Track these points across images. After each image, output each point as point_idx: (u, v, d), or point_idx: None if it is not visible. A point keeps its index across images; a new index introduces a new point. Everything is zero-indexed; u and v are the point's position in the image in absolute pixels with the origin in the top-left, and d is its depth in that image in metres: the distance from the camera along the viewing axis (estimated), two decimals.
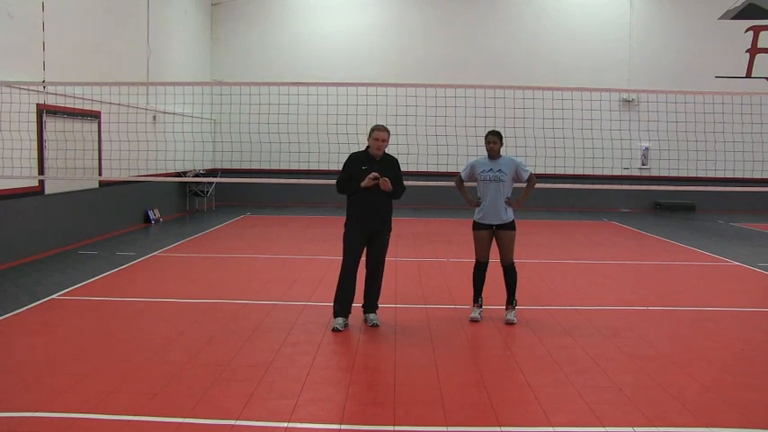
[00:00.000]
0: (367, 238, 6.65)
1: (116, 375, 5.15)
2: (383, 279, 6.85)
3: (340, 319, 6.59)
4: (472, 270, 7.12)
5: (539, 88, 12.92)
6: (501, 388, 5.12)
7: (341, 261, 6.70)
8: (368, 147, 6.63)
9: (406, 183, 6.81)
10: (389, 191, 6.50)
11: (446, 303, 7.80)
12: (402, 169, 6.77)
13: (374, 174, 6.42)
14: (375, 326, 6.64)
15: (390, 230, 6.75)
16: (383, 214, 6.64)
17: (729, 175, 14.33)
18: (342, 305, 6.64)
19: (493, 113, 11.50)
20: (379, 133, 6.55)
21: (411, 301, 7.81)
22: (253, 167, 17.32)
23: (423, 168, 11.96)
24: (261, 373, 5.27)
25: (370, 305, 6.79)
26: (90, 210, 12.28)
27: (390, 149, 6.77)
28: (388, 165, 6.63)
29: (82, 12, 12.05)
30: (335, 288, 6.70)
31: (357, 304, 6.86)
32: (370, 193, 6.50)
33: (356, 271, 6.68)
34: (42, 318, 6.97)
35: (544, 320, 7.08)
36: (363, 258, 6.74)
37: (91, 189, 12.40)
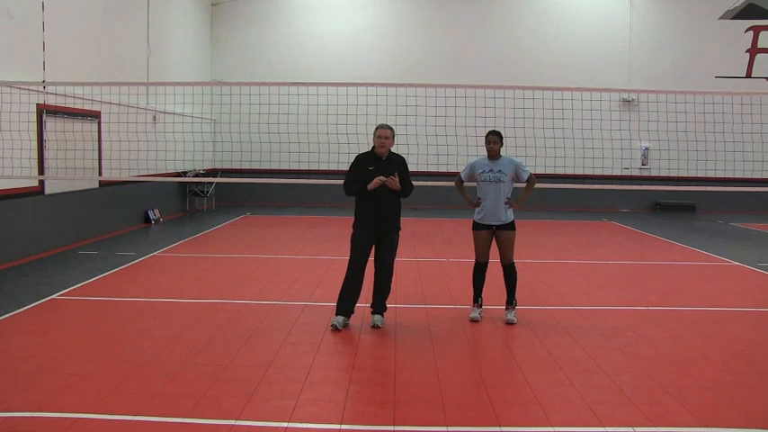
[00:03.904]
0: (375, 239, 6.65)
1: (116, 375, 5.15)
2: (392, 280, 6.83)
3: (340, 318, 6.59)
4: (472, 270, 7.12)
5: (539, 88, 12.91)
6: (501, 388, 5.12)
7: (347, 261, 6.70)
8: (374, 147, 6.64)
9: None
10: (397, 189, 6.51)
11: (446, 303, 7.80)
12: None
13: (381, 177, 6.43)
14: (376, 327, 6.63)
15: (399, 230, 6.75)
16: (391, 214, 6.64)
17: (729, 175, 14.31)
18: (344, 304, 6.64)
19: (493, 113, 11.50)
20: (381, 131, 6.58)
21: (411, 301, 7.81)
22: (253, 167, 17.33)
23: (423, 168, 11.94)
24: (261, 373, 5.27)
25: (378, 305, 6.76)
26: (90, 210, 12.27)
27: (391, 149, 6.77)
28: (395, 164, 6.62)
29: (82, 12, 12.05)
30: (341, 286, 6.70)
31: (361, 305, 6.86)
32: (378, 193, 6.51)
33: (363, 272, 6.67)
34: (42, 318, 6.97)
35: (544, 320, 7.08)
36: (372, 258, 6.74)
37: (91, 189, 12.40)
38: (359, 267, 6.64)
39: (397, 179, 6.48)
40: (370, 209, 6.59)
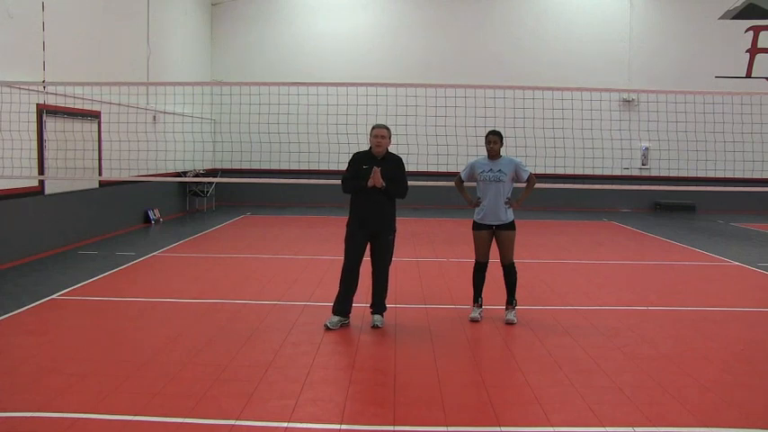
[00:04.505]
0: (369, 239, 6.65)
1: (116, 375, 5.15)
2: (389, 280, 6.83)
3: (335, 318, 6.60)
4: (472, 270, 7.12)
5: (539, 88, 12.91)
6: (501, 388, 5.12)
7: (342, 260, 6.71)
8: (371, 147, 6.64)
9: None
10: (381, 186, 6.46)
11: (446, 303, 7.79)
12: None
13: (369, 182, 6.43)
14: (376, 327, 6.63)
15: (394, 232, 6.73)
16: (384, 215, 6.62)
17: (729, 175, 14.31)
18: (340, 305, 6.65)
19: (493, 113, 11.50)
20: (377, 130, 6.58)
21: (411, 301, 7.81)
22: (253, 167, 17.33)
23: (423, 168, 11.96)
24: (261, 373, 5.27)
25: (377, 306, 6.77)
26: (90, 210, 12.27)
27: (391, 149, 6.77)
28: (389, 164, 6.61)
29: (82, 12, 12.05)
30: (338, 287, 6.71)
31: (359, 304, 6.86)
32: (371, 193, 6.50)
33: (357, 271, 6.67)
34: (42, 318, 6.97)
35: (544, 320, 7.08)
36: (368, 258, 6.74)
37: (91, 189, 12.40)
38: (353, 267, 6.64)
39: (378, 173, 6.39)
40: (363, 208, 6.58)
